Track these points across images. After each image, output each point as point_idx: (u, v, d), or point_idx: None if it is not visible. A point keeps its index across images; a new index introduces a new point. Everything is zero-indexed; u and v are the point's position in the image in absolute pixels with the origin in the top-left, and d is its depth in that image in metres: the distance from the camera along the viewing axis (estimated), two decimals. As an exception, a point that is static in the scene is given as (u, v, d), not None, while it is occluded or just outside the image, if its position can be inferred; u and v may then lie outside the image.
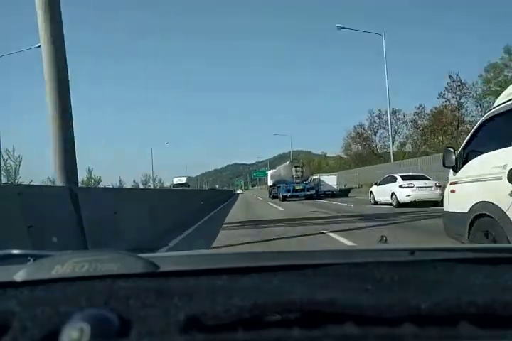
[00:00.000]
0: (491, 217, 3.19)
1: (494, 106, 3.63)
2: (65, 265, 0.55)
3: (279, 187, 25.92)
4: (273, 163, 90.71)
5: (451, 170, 4.14)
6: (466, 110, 32.48)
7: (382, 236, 1.14)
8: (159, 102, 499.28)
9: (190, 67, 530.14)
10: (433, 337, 0.41)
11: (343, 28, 26.95)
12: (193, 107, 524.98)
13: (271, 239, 6.31)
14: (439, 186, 12.81)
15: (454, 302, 0.46)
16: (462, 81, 31.81)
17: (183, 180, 52.46)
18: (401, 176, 14.78)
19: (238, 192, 72.12)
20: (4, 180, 27.71)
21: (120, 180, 58.29)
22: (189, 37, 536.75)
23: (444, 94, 32.62)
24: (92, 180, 51.91)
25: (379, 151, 42.08)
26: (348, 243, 5.76)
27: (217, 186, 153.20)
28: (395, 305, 0.46)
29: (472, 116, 30.97)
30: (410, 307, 0.45)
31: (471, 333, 0.42)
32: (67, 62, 5.27)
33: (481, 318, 0.44)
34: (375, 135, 42.18)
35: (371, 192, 16.78)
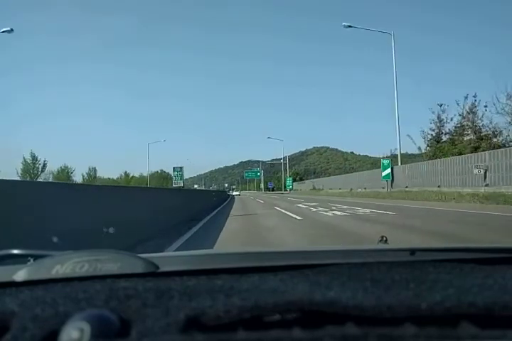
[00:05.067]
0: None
1: None
2: (65, 265, 0.55)
3: None
4: (292, 161, 73.07)
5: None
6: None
7: (382, 236, 1.14)
8: (168, 96, 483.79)
9: (212, 61, 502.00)
10: (433, 337, 0.41)
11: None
12: (202, 103, 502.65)
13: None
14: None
15: (454, 303, 0.46)
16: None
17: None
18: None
19: (234, 194, 53.21)
20: None
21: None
22: (188, 26, 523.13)
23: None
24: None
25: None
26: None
27: (226, 185, 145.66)
28: (395, 305, 0.46)
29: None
30: (410, 307, 0.45)
31: (471, 333, 0.42)
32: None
33: (481, 318, 0.44)
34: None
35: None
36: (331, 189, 42.45)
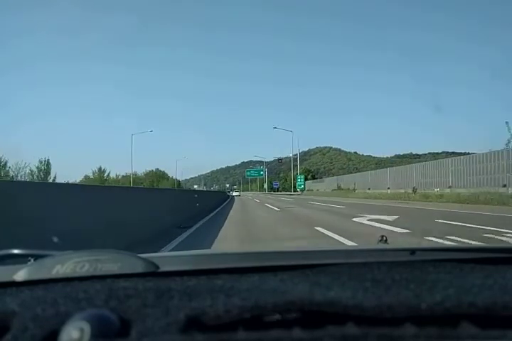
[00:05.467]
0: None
1: None
2: (66, 265, 0.55)
3: None
4: (295, 161, 55.60)
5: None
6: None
7: (382, 236, 1.14)
8: (168, 95, 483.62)
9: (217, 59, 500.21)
10: (433, 337, 0.41)
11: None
12: (203, 102, 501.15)
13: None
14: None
15: (454, 303, 0.46)
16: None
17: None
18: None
19: (234, 194, 48.91)
20: None
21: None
22: (188, 26, 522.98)
23: None
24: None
25: None
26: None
27: (227, 185, 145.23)
28: (395, 305, 0.46)
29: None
30: (410, 307, 0.45)
31: (471, 333, 0.42)
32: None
33: (481, 318, 0.44)
34: None
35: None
36: (369, 189, 30.16)
